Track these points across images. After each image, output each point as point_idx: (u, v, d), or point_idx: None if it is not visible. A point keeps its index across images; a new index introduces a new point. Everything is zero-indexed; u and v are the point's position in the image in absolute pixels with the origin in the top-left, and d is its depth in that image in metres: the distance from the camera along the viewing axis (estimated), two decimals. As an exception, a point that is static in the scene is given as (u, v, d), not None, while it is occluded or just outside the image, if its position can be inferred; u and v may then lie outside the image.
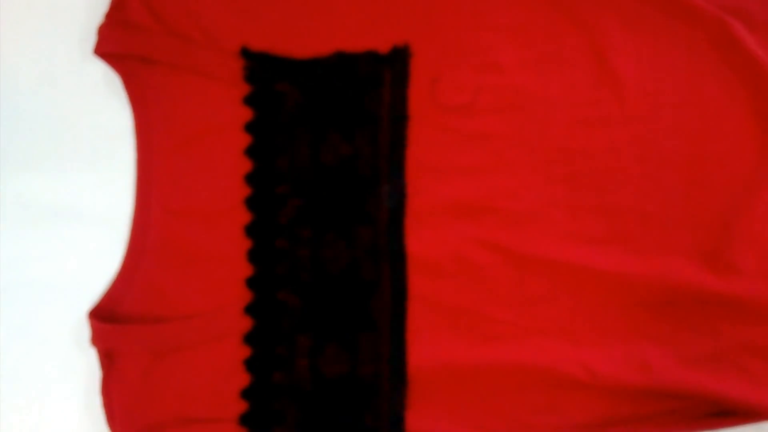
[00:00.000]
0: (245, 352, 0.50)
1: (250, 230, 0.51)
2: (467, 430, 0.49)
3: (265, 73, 0.51)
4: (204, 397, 0.50)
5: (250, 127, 0.51)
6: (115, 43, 0.52)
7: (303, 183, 0.51)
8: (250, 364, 0.50)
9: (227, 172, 0.51)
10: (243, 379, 0.50)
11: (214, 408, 0.50)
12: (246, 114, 0.52)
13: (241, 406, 0.50)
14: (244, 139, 0.52)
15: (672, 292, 0.49)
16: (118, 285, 0.51)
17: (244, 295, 0.50)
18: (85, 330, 0.51)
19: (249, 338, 0.50)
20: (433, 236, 0.51)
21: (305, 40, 0.51)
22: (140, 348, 0.50)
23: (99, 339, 0.50)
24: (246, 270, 0.51)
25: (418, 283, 0.50)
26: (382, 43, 0.51)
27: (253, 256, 0.51)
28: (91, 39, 0.53)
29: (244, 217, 0.51)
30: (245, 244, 0.51)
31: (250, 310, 0.50)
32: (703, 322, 0.49)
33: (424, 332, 0.50)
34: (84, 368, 0.52)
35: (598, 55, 0.51)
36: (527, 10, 0.51)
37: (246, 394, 0.49)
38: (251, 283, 0.50)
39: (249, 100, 0.51)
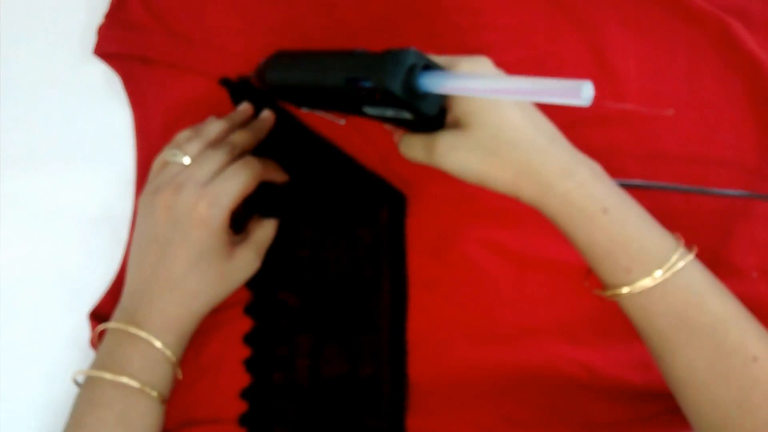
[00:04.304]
0: (245, 352, 0.50)
1: (250, 230, 0.51)
2: (467, 430, 0.49)
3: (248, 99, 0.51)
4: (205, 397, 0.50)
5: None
6: (115, 43, 0.52)
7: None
8: (249, 365, 0.49)
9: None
10: (243, 378, 0.50)
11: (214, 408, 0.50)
12: (246, 114, 0.51)
13: (240, 407, 0.49)
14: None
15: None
16: (118, 285, 0.51)
17: (243, 295, 0.50)
18: (85, 330, 0.51)
19: (249, 338, 0.50)
20: (433, 236, 0.50)
21: (305, 41, 0.51)
22: None
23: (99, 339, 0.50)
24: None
25: (418, 283, 0.50)
26: (382, 43, 0.51)
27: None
28: (91, 39, 0.53)
29: (244, 217, 0.51)
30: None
31: (249, 310, 0.50)
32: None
33: (424, 332, 0.50)
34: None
35: (598, 55, 0.51)
36: (527, 10, 0.51)
37: (245, 394, 0.49)
38: (251, 283, 0.50)
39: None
